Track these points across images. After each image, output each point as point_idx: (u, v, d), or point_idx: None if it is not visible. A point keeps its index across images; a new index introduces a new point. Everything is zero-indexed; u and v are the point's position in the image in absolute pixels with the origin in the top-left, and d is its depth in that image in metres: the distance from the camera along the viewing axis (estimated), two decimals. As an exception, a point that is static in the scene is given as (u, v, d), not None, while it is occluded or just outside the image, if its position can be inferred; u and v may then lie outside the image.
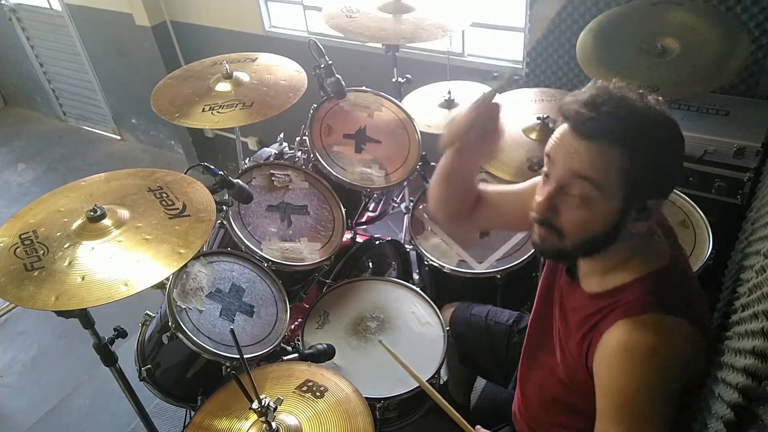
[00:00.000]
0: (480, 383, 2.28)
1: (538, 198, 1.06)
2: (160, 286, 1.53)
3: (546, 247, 1.09)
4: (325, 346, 1.63)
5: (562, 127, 1.02)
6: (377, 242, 2.23)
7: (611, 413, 1.03)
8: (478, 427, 1.27)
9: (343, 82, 2.10)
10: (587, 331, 1.08)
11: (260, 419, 1.17)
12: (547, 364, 1.27)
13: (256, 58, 2.22)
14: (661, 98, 1.00)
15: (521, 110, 2.23)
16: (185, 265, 1.53)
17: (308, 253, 1.84)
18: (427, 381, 1.64)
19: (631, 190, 0.97)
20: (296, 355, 1.61)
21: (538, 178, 1.11)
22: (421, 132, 2.16)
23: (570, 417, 1.25)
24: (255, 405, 1.15)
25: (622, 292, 1.05)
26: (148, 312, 1.79)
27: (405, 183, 2.26)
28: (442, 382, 1.87)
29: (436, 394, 1.31)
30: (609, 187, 0.97)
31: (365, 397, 1.32)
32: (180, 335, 1.49)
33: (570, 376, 1.18)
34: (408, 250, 2.33)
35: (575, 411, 1.21)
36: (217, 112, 1.95)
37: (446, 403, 1.28)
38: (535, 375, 1.34)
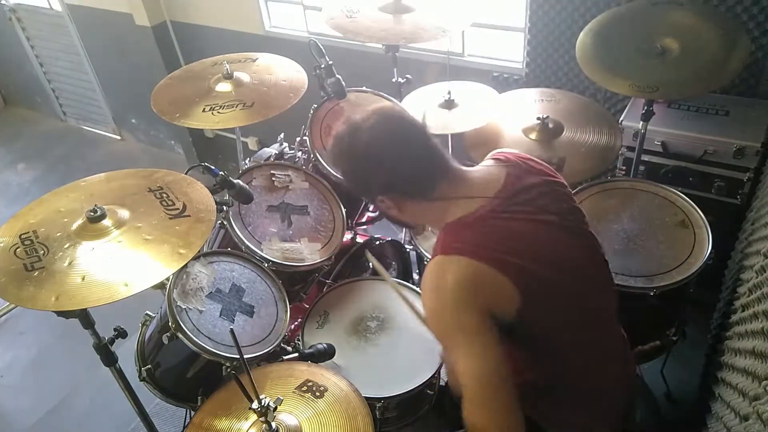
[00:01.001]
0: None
1: None
2: (160, 286, 1.53)
3: None
4: (325, 346, 1.63)
5: None
6: (377, 242, 2.23)
7: (438, 340, 1.19)
8: None
9: (343, 82, 2.10)
10: None
11: (260, 419, 1.17)
12: None
13: (257, 58, 2.22)
14: (366, 124, 1.20)
15: (521, 110, 2.23)
16: (185, 266, 1.53)
17: (308, 253, 1.84)
18: (426, 381, 1.66)
19: (357, 191, 1.33)
20: (296, 355, 1.61)
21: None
22: (421, 132, 2.16)
23: None
24: (255, 405, 1.15)
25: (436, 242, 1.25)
26: (148, 312, 1.79)
27: (405, 183, 2.25)
28: (442, 383, 1.87)
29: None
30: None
31: (365, 397, 1.32)
32: (180, 335, 1.49)
33: None
34: (408, 250, 2.33)
35: None
36: (218, 112, 1.95)
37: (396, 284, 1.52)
38: None
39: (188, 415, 1.89)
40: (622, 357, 1.36)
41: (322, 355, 1.61)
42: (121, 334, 1.60)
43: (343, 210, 1.99)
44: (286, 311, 1.71)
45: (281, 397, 1.20)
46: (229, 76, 2.06)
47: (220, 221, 1.79)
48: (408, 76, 2.41)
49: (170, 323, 1.50)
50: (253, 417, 1.23)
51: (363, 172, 1.23)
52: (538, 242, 1.19)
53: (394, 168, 1.19)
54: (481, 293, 1.10)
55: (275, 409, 1.17)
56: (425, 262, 1.98)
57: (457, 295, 1.09)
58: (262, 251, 1.77)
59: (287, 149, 2.27)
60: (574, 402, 1.27)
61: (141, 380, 1.70)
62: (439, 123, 2.23)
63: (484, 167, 1.29)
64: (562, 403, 1.27)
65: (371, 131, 1.19)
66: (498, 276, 1.10)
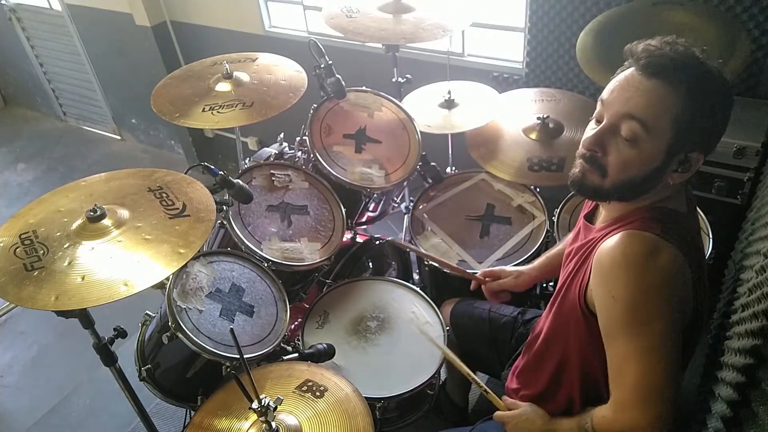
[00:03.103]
0: (480, 383, 2.28)
1: (588, 135, 1.10)
2: (160, 286, 1.53)
3: (586, 183, 1.12)
4: (325, 346, 1.63)
5: (627, 71, 1.06)
6: (377, 242, 2.23)
7: (615, 327, 1.05)
8: (504, 397, 1.36)
9: (343, 82, 2.10)
10: (588, 253, 1.12)
11: (260, 419, 1.17)
12: (551, 313, 1.31)
13: (256, 58, 2.22)
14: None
15: (521, 110, 2.23)
16: (185, 265, 1.53)
17: (308, 253, 1.84)
18: (426, 381, 1.66)
19: (676, 137, 1.01)
20: (296, 355, 1.61)
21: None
22: (421, 132, 2.16)
23: (562, 371, 1.28)
24: (255, 405, 1.15)
25: (626, 217, 1.09)
26: (148, 312, 1.79)
27: (405, 183, 2.26)
28: (441, 382, 1.87)
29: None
30: (657, 130, 1.01)
31: (365, 397, 1.32)
32: (180, 335, 1.49)
33: (565, 313, 1.20)
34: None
35: (568, 363, 1.25)
36: (217, 112, 1.95)
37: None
38: (542, 329, 1.38)
39: (188, 415, 1.89)
40: None
41: (322, 355, 1.61)
42: (121, 334, 1.60)
43: (343, 210, 1.99)
44: (286, 311, 1.71)
45: (281, 397, 1.20)
46: (228, 76, 2.06)
47: (219, 221, 1.79)
48: (408, 75, 2.41)
49: (170, 323, 1.50)
50: (253, 417, 1.23)
51: (715, 115, 1.03)
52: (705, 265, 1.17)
53: (720, 134, 1.05)
54: (684, 299, 1.05)
55: (275, 409, 1.17)
56: (426, 263, 1.98)
57: (669, 282, 1.01)
58: (261, 251, 1.77)
59: (287, 149, 2.27)
60: None
61: (141, 380, 1.70)
62: (439, 123, 2.23)
63: None
64: None
65: (730, 88, 1.05)
66: (691, 290, 1.06)
